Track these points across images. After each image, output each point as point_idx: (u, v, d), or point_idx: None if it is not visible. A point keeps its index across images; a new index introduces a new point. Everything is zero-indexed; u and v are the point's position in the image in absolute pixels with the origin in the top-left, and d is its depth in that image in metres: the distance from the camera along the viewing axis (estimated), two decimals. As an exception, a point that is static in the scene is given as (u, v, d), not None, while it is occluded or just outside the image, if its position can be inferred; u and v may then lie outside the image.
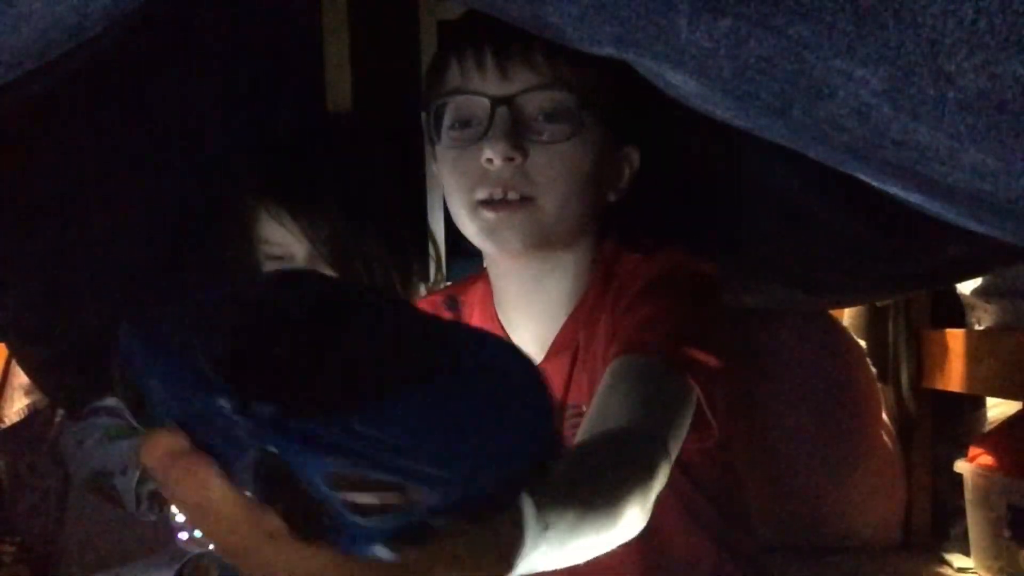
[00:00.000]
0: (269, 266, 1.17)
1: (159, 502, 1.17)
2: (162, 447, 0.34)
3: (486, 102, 0.77)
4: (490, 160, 0.77)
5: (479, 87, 0.78)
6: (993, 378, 1.27)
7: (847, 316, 1.52)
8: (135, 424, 1.20)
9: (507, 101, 0.77)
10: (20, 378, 1.42)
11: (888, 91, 0.46)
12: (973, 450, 1.30)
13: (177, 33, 1.09)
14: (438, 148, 0.84)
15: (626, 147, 0.86)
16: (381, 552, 0.31)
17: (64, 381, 1.25)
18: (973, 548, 1.30)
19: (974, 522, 1.29)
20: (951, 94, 0.43)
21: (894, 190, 0.62)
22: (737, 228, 1.10)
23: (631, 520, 0.57)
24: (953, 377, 1.35)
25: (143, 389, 0.35)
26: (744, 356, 1.32)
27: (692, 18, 0.48)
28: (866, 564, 1.32)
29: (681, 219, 1.07)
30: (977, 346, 1.30)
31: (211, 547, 1.03)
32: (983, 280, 1.41)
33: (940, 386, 1.39)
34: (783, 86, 0.50)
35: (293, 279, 0.39)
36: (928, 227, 0.75)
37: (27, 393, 1.44)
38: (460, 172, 0.80)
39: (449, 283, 1.29)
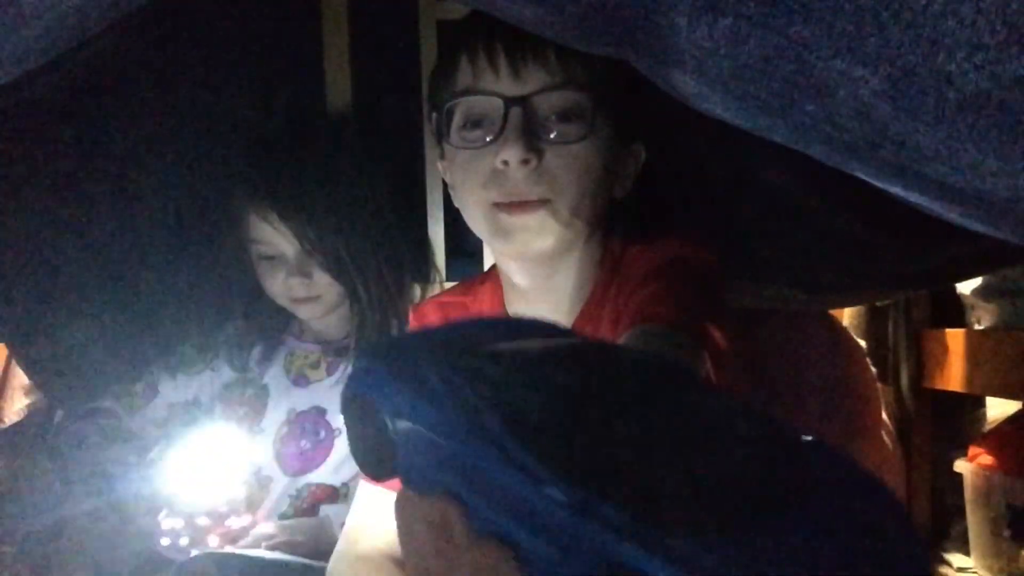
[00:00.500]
0: (262, 266, 1.17)
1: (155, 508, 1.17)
2: (455, 528, 0.27)
3: (499, 103, 0.76)
4: (505, 162, 0.76)
5: (492, 87, 0.77)
6: (993, 378, 1.27)
7: (847, 316, 1.52)
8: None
9: (521, 102, 0.76)
10: (20, 378, 1.42)
11: (888, 91, 0.45)
12: (973, 450, 1.30)
13: (176, 34, 1.09)
14: (447, 148, 0.84)
15: (633, 144, 0.86)
16: None
17: (64, 381, 1.25)
18: (973, 548, 1.30)
19: (974, 522, 1.29)
20: (951, 94, 0.43)
21: (894, 190, 0.61)
22: (737, 226, 1.10)
23: None
24: (953, 377, 1.35)
25: (394, 439, 0.29)
26: (744, 356, 1.32)
27: (692, 18, 0.48)
28: (866, 564, 1.32)
29: (683, 216, 1.07)
30: (977, 346, 1.30)
31: (193, 553, 1.03)
32: (983, 280, 1.41)
33: (940, 386, 1.39)
34: (783, 86, 0.50)
35: (539, 331, 0.32)
36: (928, 227, 0.75)
37: (27, 393, 1.44)
38: (473, 173, 0.79)
39: (448, 283, 1.29)
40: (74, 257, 1.13)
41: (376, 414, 0.29)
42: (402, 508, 0.30)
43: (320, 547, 1.05)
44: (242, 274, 1.20)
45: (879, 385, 1.42)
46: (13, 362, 1.39)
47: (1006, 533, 1.21)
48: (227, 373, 1.24)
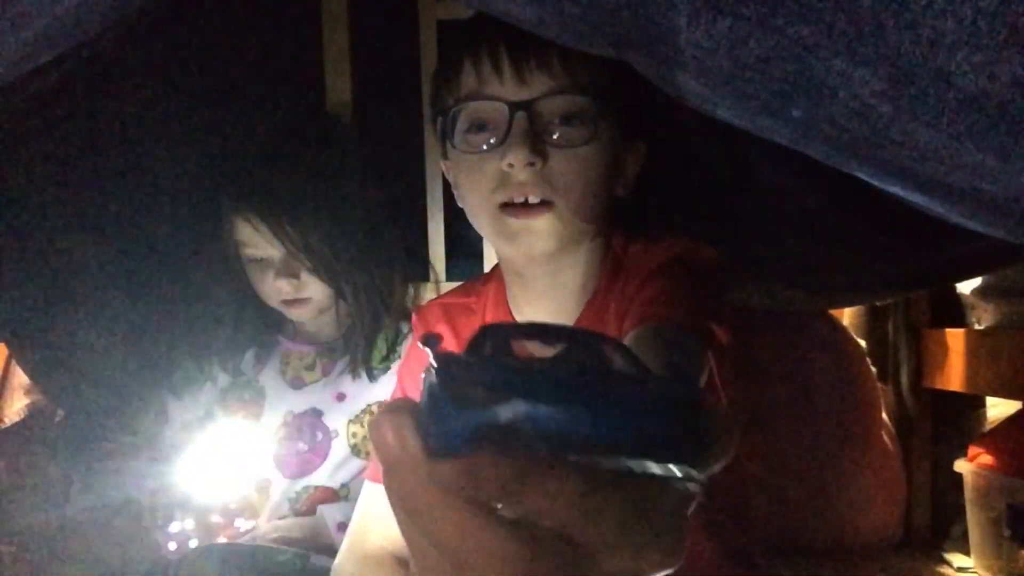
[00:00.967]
0: (251, 268, 1.17)
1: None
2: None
3: (504, 107, 0.77)
4: (511, 165, 0.77)
5: (496, 92, 0.78)
6: (993, 378, 1.27)
7: (847, 316, 1.52)
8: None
9: (526, 106, 0.77)
10: (20, 378, 1.42)
11: (888, 91, 0.45)
12: (973, 450, 1.30)
13: (175, 34, 1.09)
14: (452, 152, 0.84)
15: (635, 143, 0.87)
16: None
17: (64, 381, 1.25)
18: (973, 548, 1.30)
19: (974, 522, 1.29)
20: (951, 94, 0.43)
21: (894, 190, 0.61)
22: (738, 226, 1.10)
23: None
24: (953, 377, 1.35)
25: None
26: (744, 356, 1.32)
27: (692, 18, 0.48)
28: (866, 564, 1.32)
29: (684, 215, 1.07)
30: (977, 346, 1.30)
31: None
32: (983, 280, 1.41)
33: (940, 386, 1.39)
34: (783, 86, 0.50)
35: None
36: (928, 227, 0.75)
37: (27, 393, 1.44)
38: (479, 176, 0.80)
39: (448, 283, 1.29)
40: (74, 258, 1.13)
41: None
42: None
43: (317, 543, 1.05)
44: (231, 276, 1.20)
45: (879, 385, 1.42)
46: (13, 362, 1.39)
47: (1006, 533, 1.21)
48: (224, 378, 1.24)
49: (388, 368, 1.19)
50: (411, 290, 1.25)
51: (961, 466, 1.30)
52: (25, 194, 1.05)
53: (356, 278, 1.15)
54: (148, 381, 1.27)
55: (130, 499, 1.24)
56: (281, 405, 1.20)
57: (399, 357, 1.19)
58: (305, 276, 1.14)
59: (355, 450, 1.17)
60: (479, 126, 0.80)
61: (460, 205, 0.87)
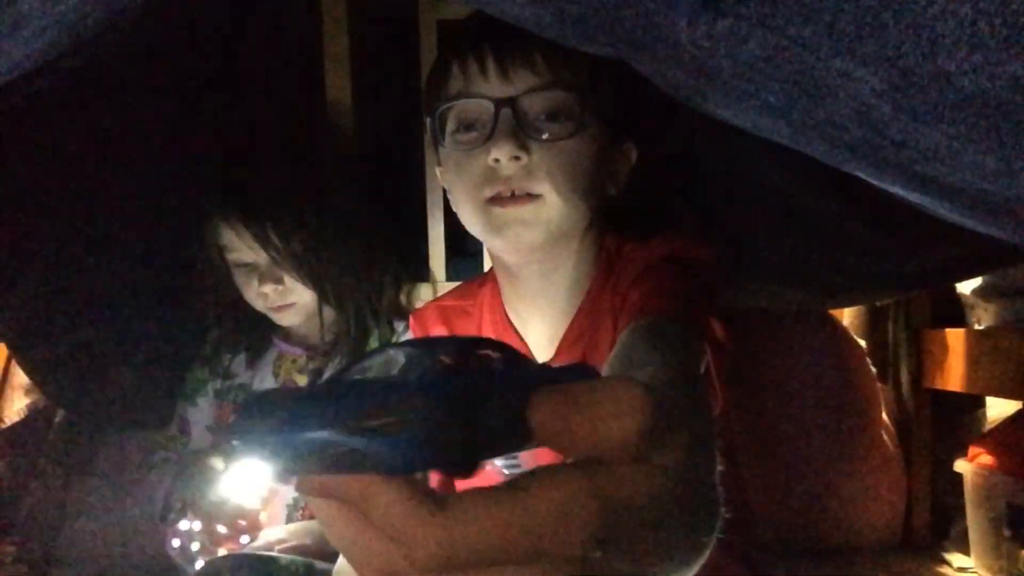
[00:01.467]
0: (238, 273, 1.17)
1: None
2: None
3: (489, 104, 0.79)
4: (497, 160, 0.78)
5: (482, 90, 0.80)
6: (993, 378, 1.27)
7: (847, 316, 1.52)
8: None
9: (510, 102, 0.78)
10: (20, 378, 1.42)
11: (888, 91, 0.45)
12: (973, 450, 1.30)
13: (175, 35, 1.09)
14: (443, 151, 0.86)
15: (625, 143, 0.88)
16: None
17: (64, 381, 1.25)
18: (973, 548, 1.30)
19: (974, 522, 1.29)
20: (951, 94, 0.43)
21: (894, 190, 0.61)
22: (738, 226, 1.10)
23: None
24: (953, 377, 1.35)
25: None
26: (744, 356, 1.32)
27: (692, 18, 0.48)
28: (866, 564, 1.32)
29: (683, 215, 1.07)
30: (977, 346, 1.30)
31: (199, 565, 1.02)
32: (983, 280, 1.41)
33: (940, 386, 1.39)
34: (783, 86, 0.50)
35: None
36: (928, 227, 0.75)
37: (27, 393, 1.44)
38: (467, 173, 0.81)
39: (448, 283, 1.29)
40: (74, 258, 1.13)
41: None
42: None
43: (325, 549, 1.05)
44: (217, 280, 1.19)
45: (879, 385, 1.42)
46: (13, 362, 1.39)
47: (1006, 533, 1.21)
48: (216, 381, 1.25)
49: (384, 369, 1.19)
50: (406, 290, 1.25)
51: (961, 466, 1.30)
52: (25, 194, 1.05)
53: (341, 282, 1.15)
54: (149, 382, 1.27)
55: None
56: None
57: None
58: (289, 281, 1.14)
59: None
60: (467, 125, 0.82)
61: (454, 208, 0.88)
